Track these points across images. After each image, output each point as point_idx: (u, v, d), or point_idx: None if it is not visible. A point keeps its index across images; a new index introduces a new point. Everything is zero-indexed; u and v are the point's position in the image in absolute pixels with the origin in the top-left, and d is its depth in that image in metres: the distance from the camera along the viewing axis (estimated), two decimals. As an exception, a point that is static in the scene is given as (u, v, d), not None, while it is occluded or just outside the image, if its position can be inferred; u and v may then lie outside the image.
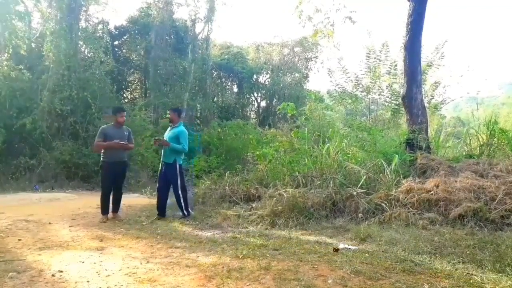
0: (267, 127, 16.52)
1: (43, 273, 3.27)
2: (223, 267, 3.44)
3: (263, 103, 23.33)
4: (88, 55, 15.99)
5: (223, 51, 22.58)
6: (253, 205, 6.36)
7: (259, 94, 23.29)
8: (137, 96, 20.95)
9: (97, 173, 13.05)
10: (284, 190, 6.21)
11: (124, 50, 19.86)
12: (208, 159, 12.53)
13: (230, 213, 6.18)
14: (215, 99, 22.59)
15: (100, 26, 17.16)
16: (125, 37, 19.64)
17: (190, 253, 4.02)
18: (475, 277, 3.13)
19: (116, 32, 19.03)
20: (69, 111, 13.12)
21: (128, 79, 20.37)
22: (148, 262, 3.66)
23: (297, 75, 21.95)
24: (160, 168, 6.35)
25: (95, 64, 14.33)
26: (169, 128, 6.34)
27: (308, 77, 22.11)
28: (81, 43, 15.20)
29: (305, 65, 22.13)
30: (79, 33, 14.62)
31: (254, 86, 22.54)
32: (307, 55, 21.92)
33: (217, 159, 12.41)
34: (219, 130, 14.75)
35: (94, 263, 3.61)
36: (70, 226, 5.47)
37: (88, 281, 3.09)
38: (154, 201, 6.90)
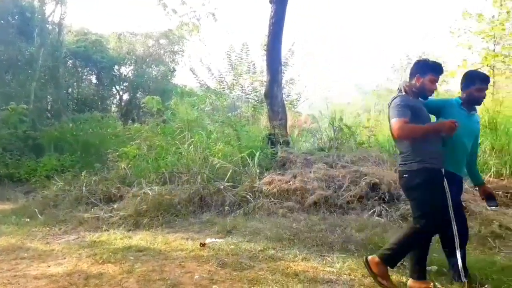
0: (130, 121, 15.57)
1: None
2: (79, 275, 3.11)
3: (125, 96, 21.88)
4: None
5: (80, 37, 20.32)
6: (115, 206, 5.88)
7: (122, 86, 21.79)
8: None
9: None
10: (149, 188, 5.93)
11: None
12: (60, 157, 11.09)
13: (87, 216, 5.59)
14: (70, 90, 20.27)
15: None
16: None
17: (40, 263, 3.53)
18: (327, 257, 3.49)
19: None
20: None
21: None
22: (-20, 281, 3.02)
23: (163, 68, 21.28)
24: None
25: None
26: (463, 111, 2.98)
27: (175, 71, 21.65)
28: None
29: (172, 58, 21.60)
30: None
31: (115, 77, 20.97)
32: (173, 48, 21.42)
33: (71, 157, 11.09)
34: (72, 125, 13.24)
35: None
36: None
37: None
38: None
